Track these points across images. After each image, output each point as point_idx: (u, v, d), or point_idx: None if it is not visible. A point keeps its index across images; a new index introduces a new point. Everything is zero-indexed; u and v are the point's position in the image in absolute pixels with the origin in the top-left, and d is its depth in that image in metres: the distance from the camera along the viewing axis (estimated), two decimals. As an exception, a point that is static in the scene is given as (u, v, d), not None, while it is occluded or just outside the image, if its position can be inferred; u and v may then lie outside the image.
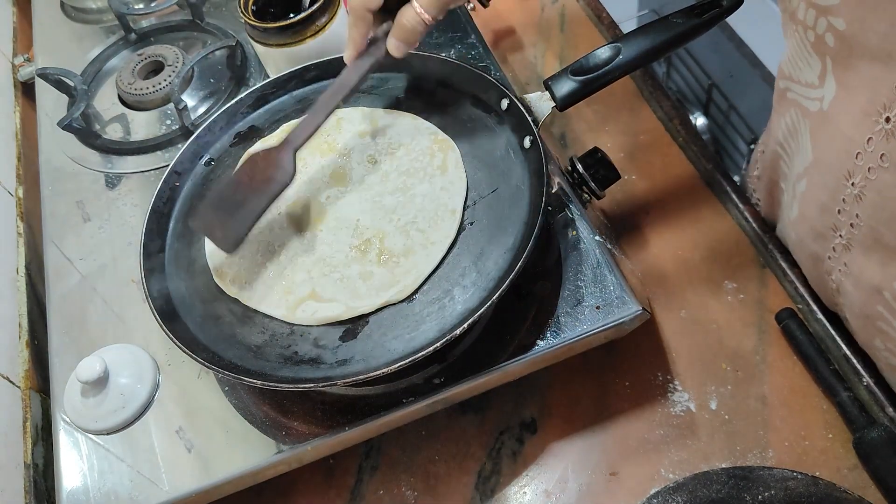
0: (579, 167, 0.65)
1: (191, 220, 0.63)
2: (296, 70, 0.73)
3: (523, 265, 0.55)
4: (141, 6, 0.95)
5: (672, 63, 1.43)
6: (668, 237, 0.73)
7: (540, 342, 0.59)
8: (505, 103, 0.65)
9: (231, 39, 0.85)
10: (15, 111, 0.94)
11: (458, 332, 0.53)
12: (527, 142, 0.62)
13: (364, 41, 0.60)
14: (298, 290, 0.60)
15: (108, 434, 0.62)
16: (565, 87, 0.61)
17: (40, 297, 0.78)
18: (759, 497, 0.55)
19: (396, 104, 0.71)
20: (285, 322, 0.59)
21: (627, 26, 1.03)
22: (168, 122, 0.82)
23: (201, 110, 0.83)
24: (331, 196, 0.65)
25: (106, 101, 0.86)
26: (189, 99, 0.82)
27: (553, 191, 0.66)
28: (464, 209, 0.62)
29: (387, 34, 0.59)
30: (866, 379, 0.61)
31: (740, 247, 0.71)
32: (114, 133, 0.83)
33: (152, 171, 0.79)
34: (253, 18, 0.72)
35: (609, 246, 0.64)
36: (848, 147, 0.51)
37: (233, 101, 0.72)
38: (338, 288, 0.60)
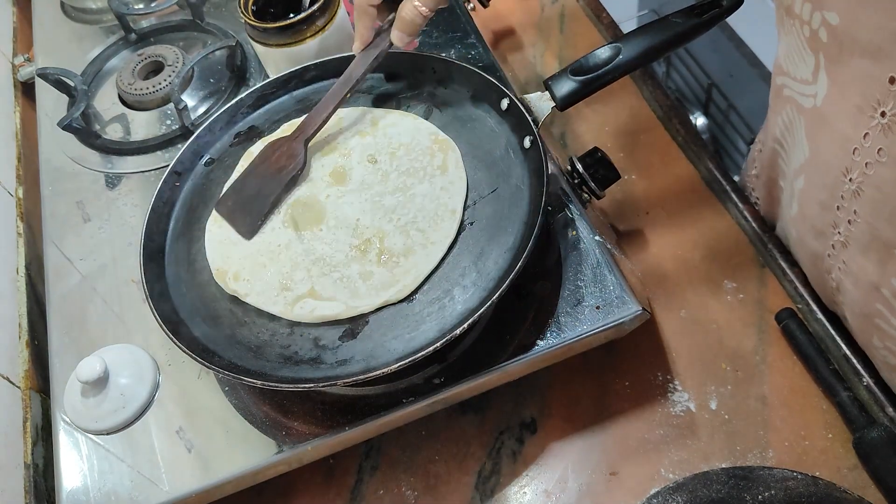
0: (579, 167, 0.65)
1: (216, 208, 0.66)
2: (296, 70, 0.73)
3: (523, 265, 0.55)
4: (141, 6, 0.95)
5: (672, 63, 1.43)
6: (668, 237, 0.73)
7: (540, 342, 0.59)
8: (505, 103, 0.65)
9: (231, 39, 0.85)
10: (15, 111, 0.94)
11: (458, 332, 0.53)
12: (527, 142, 0.62)
13: (370, 33, 0.65)
14: (297, 287, 0.60)
15: (108, 434, 0.62)
16: (565, 87, 0.61)
17: (40, 297, 0.78)
18: (759, 497, 0.55)
19: (396, 104, 0.71)
20: (285, 321, 0.60)
21: (627, 26, 1.03)
22: (168, 122, 0.82)
23: (201, 110, 0.83)
24: (331, 196, 0.65)
25: (106, 101, 0.86)
26: (189, 99, 0.82)
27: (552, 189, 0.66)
28: (464, 209, 0.62)
29: (391, 24, 0.63)
30: (866, 379, 0.61)
31: (740, 246, 0.71)
32: (114, 133, 0.83)
33: (152, 171, 0.79)
34: (253, 18, 0.72)
35: (609, 246, 0.64)
36: (844, 143, 0.51)
37: (233, 101, 0.73)
38: (337, 287, 0.60)
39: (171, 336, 0.57)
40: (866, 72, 0.46)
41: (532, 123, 0.61)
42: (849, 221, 0.54)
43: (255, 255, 0.63)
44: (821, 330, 0.64)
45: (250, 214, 0.64)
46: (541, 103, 0.62)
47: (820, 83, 0.52)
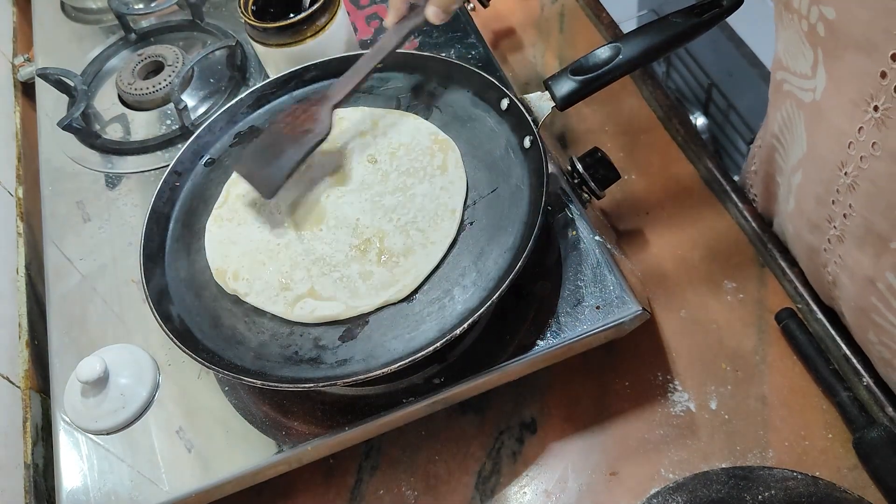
0: (579, 167, 0.65)
1: (233, 165, 0.65)
2: (296, 70, 0.73)
3: (523, 265, 0.55)
4: (141, 6, 0.95)
5: (672, 63, 1.43)
6: (668, 237, 0.73)
7: (540, 342, 0.59)
8: (505, 103, 0.65)
9: (231, 39, 0.85)
10: (15, 111, 0.94)
11: (458, 332, 0.53)
12: (527, 142, 0.62)
13: (405, 6, 0.64)
14: (297, 287, 0.60)
15: (108, 434, 0.62)
16: (565, 86, 0.61)
17: (40, 297, 0.78)
18: (759, 497, 0.55)
19: (396, 104, 0.71)
20: (284, 320, 0.60)
21: (627, 26, 1.03)
22: (168, 122, 0.82)
23: (201, 110, 0.83)
24: (331, 195, 0.65)
25: (106, 101, 0.86)
26: (189, 99, 0.82)
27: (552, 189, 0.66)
28: (464, 209, 0.62)
29: (426, 1, 0.62)
30: (866, 379, 0.61)
31: (739, 246, 0.71)
32: (114, 133, 0.83)
33: (152, 171, 0.79)
34: (253, 18, 0.72)
35: (609, 246, 0.64)
36: (840, 137, 0.51)
37: (233, 101, 0.73)
38: (337, 287, 0.60)
39: (171, 336, 0.57)
40: (859, 66, 0.47)
41: (532, 123, 0.62)
42: (844, 215, 0.54)
43: (254, 253, 0.63)
44: (820, 330, 0.64)
45: (272, 175, 0.63)
46: (541, 103, 0.62)
47: (819, 77, 0.52)
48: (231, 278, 0.62)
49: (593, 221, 0.65)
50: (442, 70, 0.69)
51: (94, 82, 0.89)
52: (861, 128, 0.49)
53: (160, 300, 0.61)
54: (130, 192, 0.78)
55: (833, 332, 0.63)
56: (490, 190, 0.63)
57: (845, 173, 0.52)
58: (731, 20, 1.15)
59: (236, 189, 0.67)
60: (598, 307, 0.60)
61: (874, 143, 0.48)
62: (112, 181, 0.79)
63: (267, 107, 0.74)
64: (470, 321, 0.53)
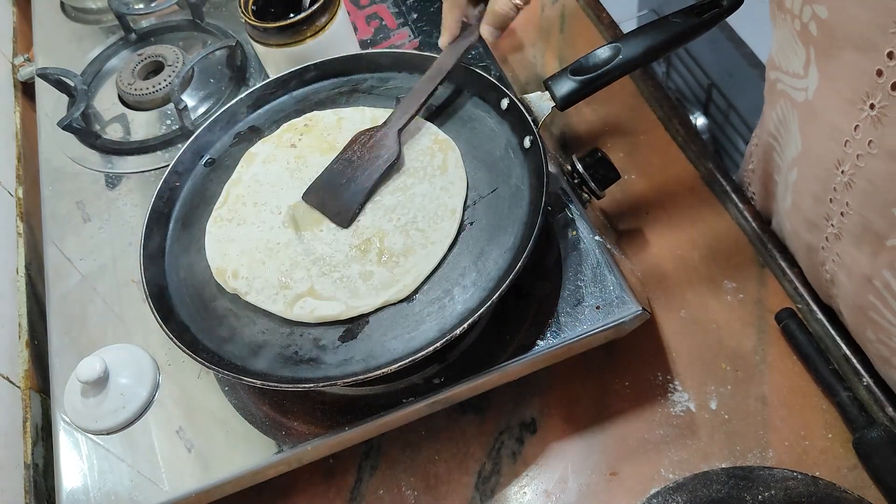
0: (579, 167, 0.65)
1: (304, 197, 0.65)
2: (296, 70, 0.73)
3: (523, 265, 0.55)
4: (141, 6, 0.95)
5: (671, 63, 1.43)
6: (668, 237, 0.73)
7: (540, 342, 0.59)
8: (505, 103, 0.65)
9: (231, 39, 0.85)
10: (15, 111, 0.94)
11: (458, 332, 0.53)
12: (527, 142, 0.62)
13: (458, 26, 0.64)
14: (297, 286, 0.60)
15: (108, 434, 0.62)
16: (565, 86, 0.61)
17: (40, 297, 0.78)
18: (759, 497, 0.55)
19: (396, 104, 0.70)
20: (284, 320, 0.60)
21: (627, 26, 1.03)
22: (168, 122, 0.82)
23: (201, 110, 0.83)
24: (331, 196, 0.65)
25: (106, 101, 0.86)
26: (189, 99, 0.82)
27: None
28: (464, 209, 0.62)
29: (478, 19, 0.63)
30: (866, 379, 0.61)
31: (739, 246, 0.71)
32: (114, 133, 0.83)
33: (152, 171, 0.79)
34: (253, 18, 0.72)
35: (609, 246, 0.64)
36: (835, 136, 0.51)
37: (233, 101, 0.72)
38: (337, 287, 0.60)
39: (171, 336, 0.57)
40: (855, 64, 0.47)
41: (532, 123, 0.61)
42: (841, 213, 0.54)
43: (254, 252, 0.63)
44: (820, 330, 0.64)
45: (346, 203, 0.63)
46: (541, 103, 0.62)
47: (811, 77, 0.52)
48: (231, 277, 0.62)
49: (593, 221, 0.65)
50: (442, 70, 0.69)
51: (94, 82, 0.89)
52: (857, 126, 0.49)
53: (160, 300, 0.61)
54: (130, 192, 0.78)
55: (833, 332, 0.63)
56: (490, 190, 0.63)
57: (842, 171, 0.52)
58: (731, 20, 1.15)
59: (236, 189, 0.67)
60: (598, 307, 0.60)
61: (871, 141, 0.48)
62: (112, 181, 0.79)
63: (267, 107, 0.74)
64: (470, 321, 0.53)
